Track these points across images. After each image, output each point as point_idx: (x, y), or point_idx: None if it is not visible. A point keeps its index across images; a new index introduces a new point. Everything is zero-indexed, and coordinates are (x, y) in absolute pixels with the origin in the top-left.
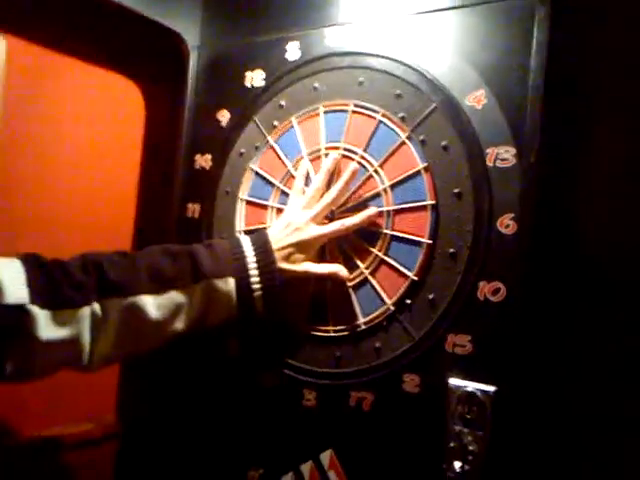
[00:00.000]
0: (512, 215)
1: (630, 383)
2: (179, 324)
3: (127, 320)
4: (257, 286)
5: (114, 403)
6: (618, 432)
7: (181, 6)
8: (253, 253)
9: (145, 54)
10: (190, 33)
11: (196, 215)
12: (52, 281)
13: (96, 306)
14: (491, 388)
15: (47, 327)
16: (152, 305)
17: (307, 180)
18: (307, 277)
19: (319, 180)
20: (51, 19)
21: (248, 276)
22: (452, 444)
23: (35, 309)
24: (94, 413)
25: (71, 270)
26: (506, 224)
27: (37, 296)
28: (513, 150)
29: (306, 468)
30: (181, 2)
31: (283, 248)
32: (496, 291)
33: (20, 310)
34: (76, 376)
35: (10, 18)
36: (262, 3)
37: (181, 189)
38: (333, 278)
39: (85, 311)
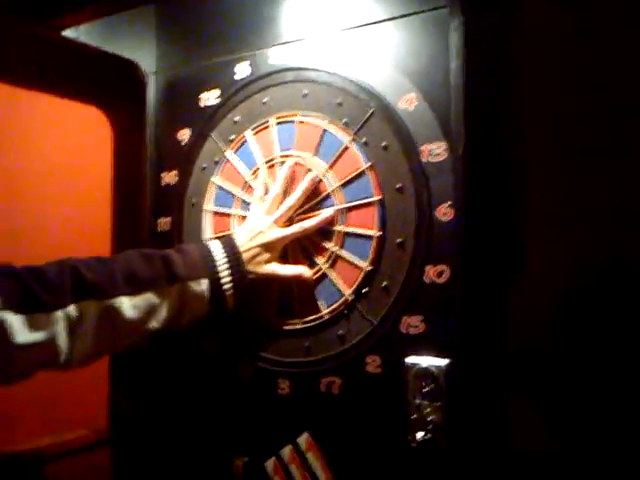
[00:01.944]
0: (449, 203)
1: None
2: (154, 323)
3: (104, 321)
4: (228, 286)
5: (105, 409)
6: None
7: (136, 37)
8: (223, 255)
9: (107, 83)
10: (146, 61)
11: (167, 228)
12: (24, 287)
13: (71, 308)
14: (443, 362)
15: (22, 331)
16: (128, 306)
17: (266, 188)
18: (274, 277)
19: (277, 187)
20: (18, 59)
21: (219, 277)
22: (413, 416)
23: (9, 315)
24: (86, 420)
25: (46, 274)
26: (444, 212)
27: (10, 302)
28: (444, 145)
29: (286, 452)
30: (136, 33)
31: (249, 249)
32: (440, 273)
33: None
34: (66, 384)
35: None
36: (211, 28)
37: (151, 205)
38: (298, 279)
39: (60, 314)
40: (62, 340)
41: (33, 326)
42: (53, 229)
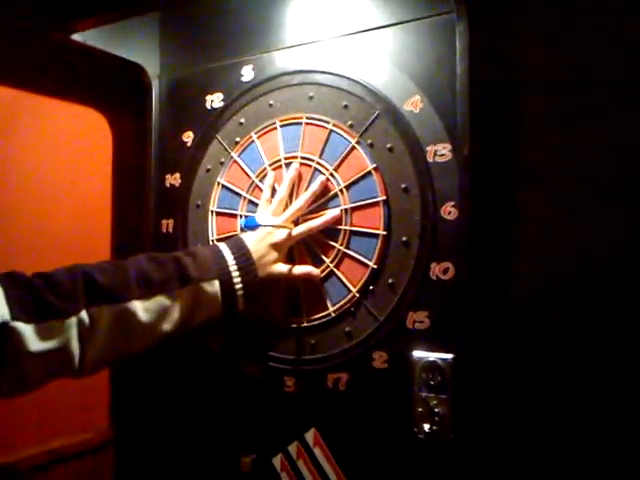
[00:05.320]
0: (453, 203)
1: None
2: (167, 326)
3: (117, 326)
4: (239, 286)
5: (107, 411)
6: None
7: (140, 40)
8: (232, 257)
9: (110, 86)
10: (150, 64)
11: (170, 230)
12: (34, 294)
13: (84, 314)
14: (449, 356)
15: (34, 340)
16: (141, 310)
17: (273, 190)
18: (283, 277)
19: (283, 190)
20: (20, 62)
21: (231, 277)
22: (420, 409)
23: (19, 324)
24: (89, 423)
25: (56, 280)
26: (448, 211)
27: (19, 311)
28: (449, 146)
29: (293, 448)
30: (140, 36)
31: (258, 250)
32: (445, 270)
33: (4, 328)
34: (68, 389)
35: None
36: (216, 32)
37: (154, 207)
38: (307, 278)
39: (72, 320)
40: (74, 347)
41: (46, 334)
42: (53, 233)
